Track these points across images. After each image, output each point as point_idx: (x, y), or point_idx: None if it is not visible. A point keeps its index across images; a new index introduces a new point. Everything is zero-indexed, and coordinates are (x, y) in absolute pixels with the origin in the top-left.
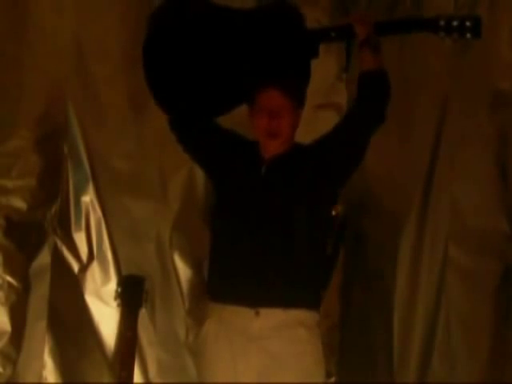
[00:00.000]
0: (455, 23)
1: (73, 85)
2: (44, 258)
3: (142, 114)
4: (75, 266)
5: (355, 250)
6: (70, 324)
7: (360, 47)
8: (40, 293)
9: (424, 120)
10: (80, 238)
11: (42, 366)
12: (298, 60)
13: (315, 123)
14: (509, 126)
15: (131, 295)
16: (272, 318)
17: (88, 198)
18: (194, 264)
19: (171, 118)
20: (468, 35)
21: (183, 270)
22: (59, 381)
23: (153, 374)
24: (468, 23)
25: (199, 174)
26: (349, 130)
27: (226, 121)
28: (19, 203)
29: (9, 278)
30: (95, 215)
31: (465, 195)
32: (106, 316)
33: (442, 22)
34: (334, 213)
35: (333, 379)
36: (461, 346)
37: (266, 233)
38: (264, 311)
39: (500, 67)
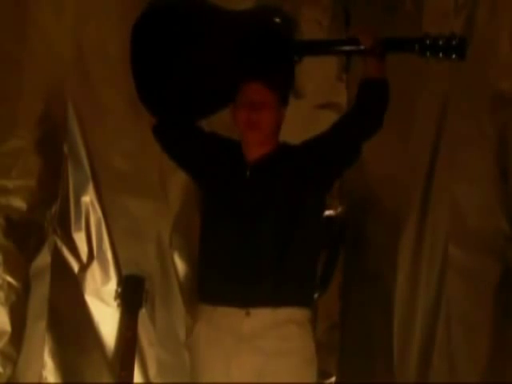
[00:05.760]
0: (441, 42)
1: (73, 85)
2: (44, 258)
3: (142, 114)
4: (75, 266)
5: (355, 250)
6: (70, 324)
7: (365, 56)
8: (40, 293)
9: (424, 120)
10: (80, 238)
11: (42, 366)
12: (282, 61)
13: (315, 123)
14: (509, 126)
15: (131, 295)
16: (263, 317)
17: (88, 198)
18: (194, 264)
19: (155, 126)
20: (453, 56)
21: (183, 270)
22: (59, 381)
23: (153, 374)
24: (454, 43)
25: None
26: (343, 133)
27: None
28: (19, 203)
29: (9, 278)
30: (95, 215)
31: (465, 195)
32: (106, 316)
33: (428, 41)
34: (333, 213)
35: (333, 379)
36: (461, 346)
37: (253, 234)
38: (254, 311)
39: (500, 67)
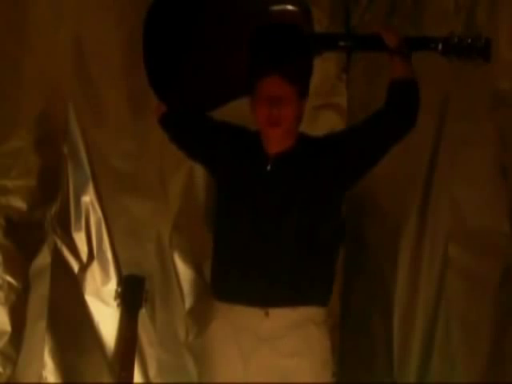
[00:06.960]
0: (466, 43)
1: (73, 85)
2: (44, 258)
3: (142, 114)
4: (75, 266)
5: (355, 250)
6: (70, 324)
7: (390, 55)
8: (40, 293)
9: (424, 120)
10: (80, 238)
11: (42, 366)
12: (302, 53)
13: (315, 123)
14: (509, 126)
15: (131, 295)
16: (282, 317)
17: (88, 198)
18: (194, 264)
19: (163, 116)
20: (477, 57)
21: (183, 270)
22: (59, 381)
23: (153, 374)
24: (479, 44)
25: (199, 174)
26: (374, 132)
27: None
28: (19, 203)
29: (9, 278)
30: (95, 215)
31: (465, 195)
32: (106, 316)
33: (452, 41)
34: None
35: (333, 379)
36: (461, 346)
37: (274, 231)
38: (273, 311)
39: (500, 67)
